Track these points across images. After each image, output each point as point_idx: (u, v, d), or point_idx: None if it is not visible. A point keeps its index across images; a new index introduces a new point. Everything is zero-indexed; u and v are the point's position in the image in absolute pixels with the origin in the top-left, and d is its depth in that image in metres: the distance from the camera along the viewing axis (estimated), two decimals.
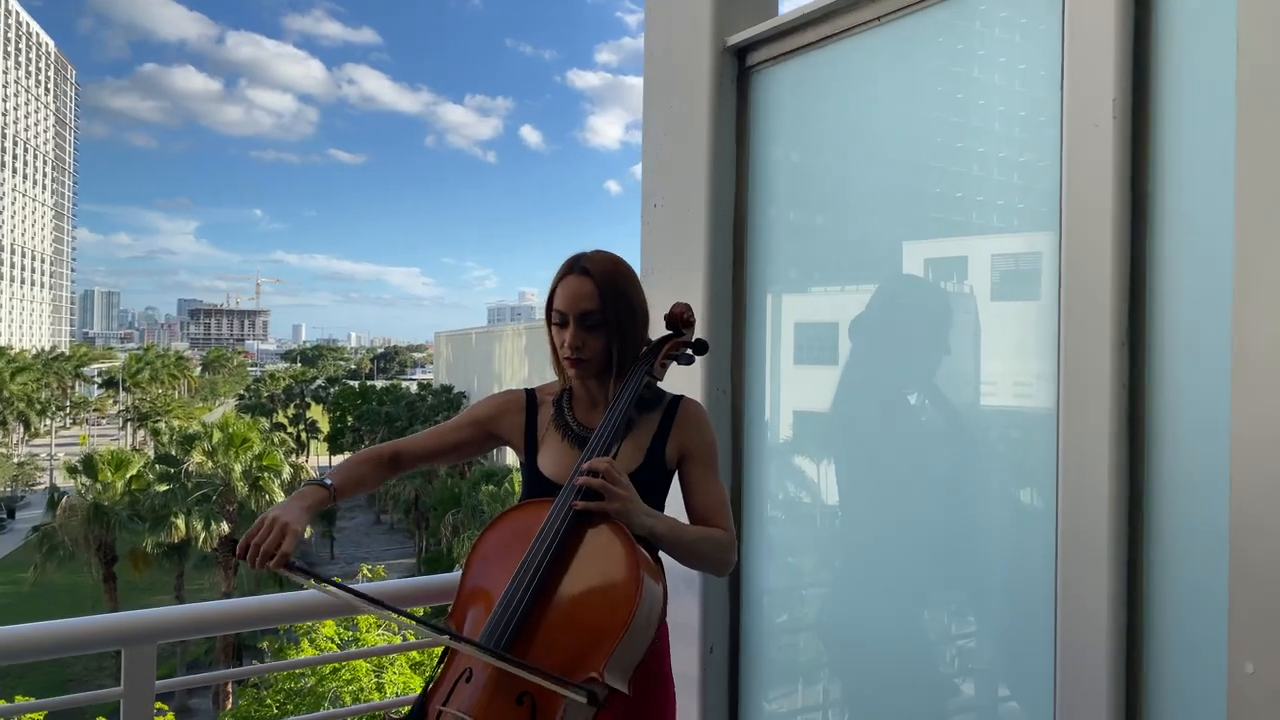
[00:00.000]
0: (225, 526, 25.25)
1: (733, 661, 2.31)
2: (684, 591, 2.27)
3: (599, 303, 1.76)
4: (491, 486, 26.54)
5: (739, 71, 2.35)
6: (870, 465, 2.11)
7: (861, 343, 2.12)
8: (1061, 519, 1.57)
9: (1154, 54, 1.50)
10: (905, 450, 2.01)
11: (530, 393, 1.92)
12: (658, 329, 1.90)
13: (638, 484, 1.68)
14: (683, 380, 2.31)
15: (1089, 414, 1.51)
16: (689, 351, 1.93)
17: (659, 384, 1.88)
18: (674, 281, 2.40)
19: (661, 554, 1.71)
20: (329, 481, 1.72)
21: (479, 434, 1.90)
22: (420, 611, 2.14)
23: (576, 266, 1.80)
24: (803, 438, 2.29)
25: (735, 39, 2.30)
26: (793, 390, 2.29)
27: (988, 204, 1.89)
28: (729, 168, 2.34)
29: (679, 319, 1.93)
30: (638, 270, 2.52)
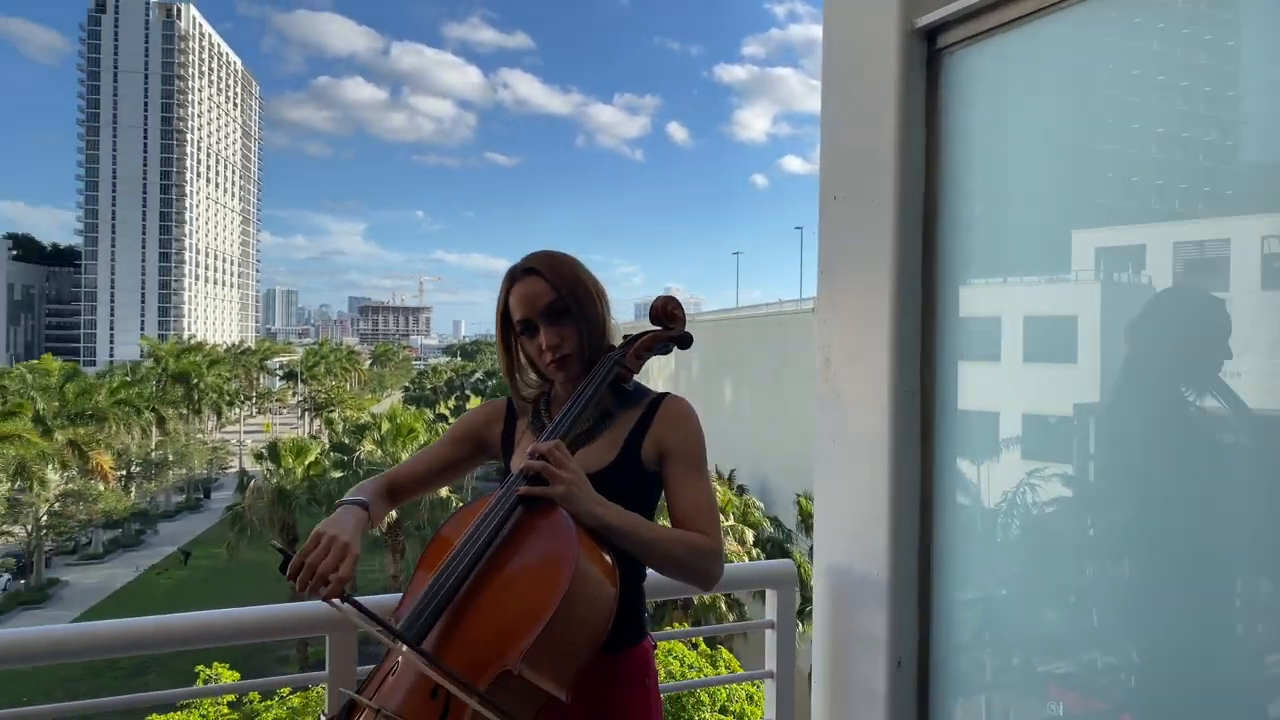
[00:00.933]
0: (393, 512, 26.65)
1: (922, 677, 2.19)
2: (869, 602, 2.18)
3: (555, 292, 1.70)
4: None
5: (928, 54, 2.22)
6: (1086, 470, 1.95)
7: (1078, 339, 1.95)
8: None
9: None
10: (1130, 454, 1.83)
11: (510, 401, 1.87)
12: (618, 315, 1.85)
13: (608, 482, 1.58)
14: (867, 384, 2.21)
15: None
16: (669, 344, 1.85)
17: (636, 380, 1.80)
18: (856, 277, 2.30)
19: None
20: (367, 501, 1.62)
21: (469, 449, 1.83)
22: None
23: (517, 272, 1.74)
24: (1001, 441, 2.14)
25: (924, 20, 2.17)
26: (990, 390, 2.15)
27: (1229, 185, 1.69)
28: (917, 156, 2.22)
29: (662, 312, 1.86)
30: (814, 265, 2.43)
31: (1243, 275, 1.65)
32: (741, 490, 29.66)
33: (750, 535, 25.45)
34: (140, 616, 1.85)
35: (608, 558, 1.47)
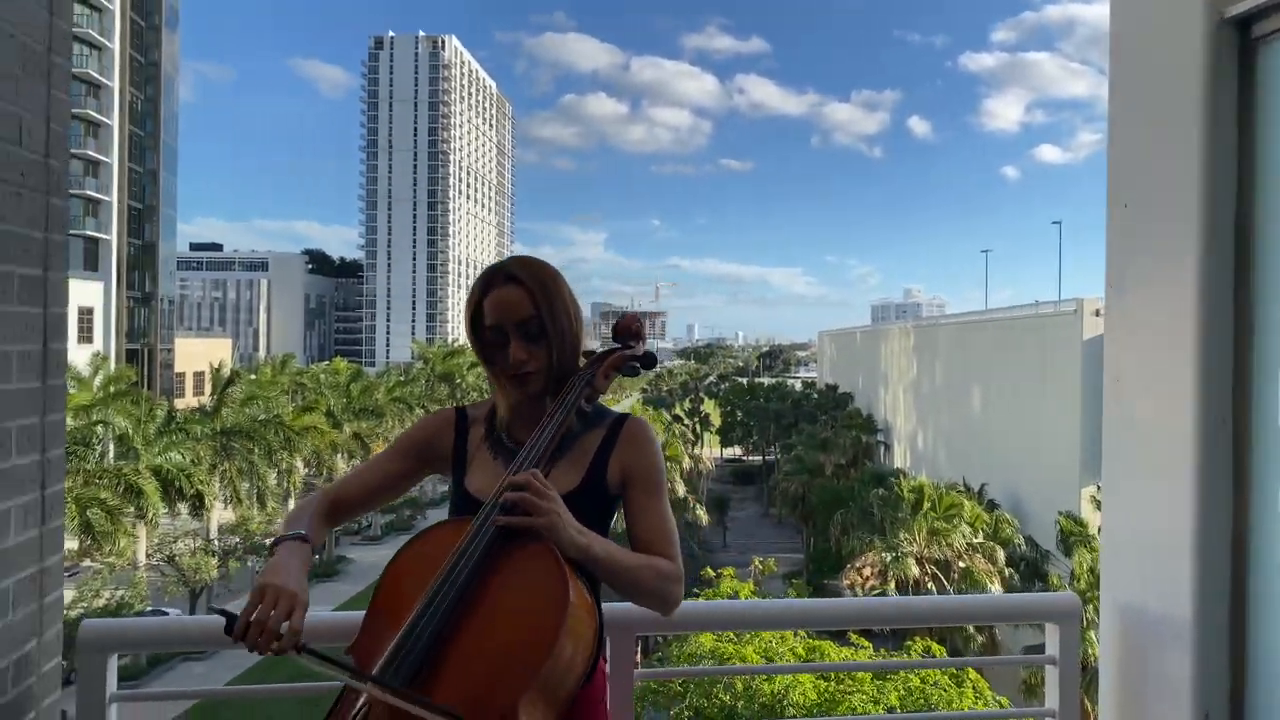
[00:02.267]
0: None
1: None
2: (1169, 645, 2.00)
3: (535, 308, 1.62)
4: (882, 490, 26.00)
5: (1241, 46, 2.01)
6: None
7: None
8: None
9: None
10: None
11: (461, 411, 1.77)
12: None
13: (575, 504, 1.51)
14: (1167, 409, 2.03)
15: None
16: (636, 364, 1.78)
17: (599, 401, 1.71)
18: (1153, 292, 2.12)
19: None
20: (303, 533, 1.53)
21: (414, 463, 1.73)
22: None
23: (500, 275, 1.64)
24: None
25: (1237, 8, 1.97)
26: None
27: None
28: (1227, 159, 2.01)
29: (628, 331, 1.79)
30: (1101, 278, 2.28)
31: None
32: (992, 505, 27.92)
33: (1001, 554, 23.91)
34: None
35: (586, 592, 1.45)
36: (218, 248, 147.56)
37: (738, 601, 1.93)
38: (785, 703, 13.23)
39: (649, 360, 1.83)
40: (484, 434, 1.71)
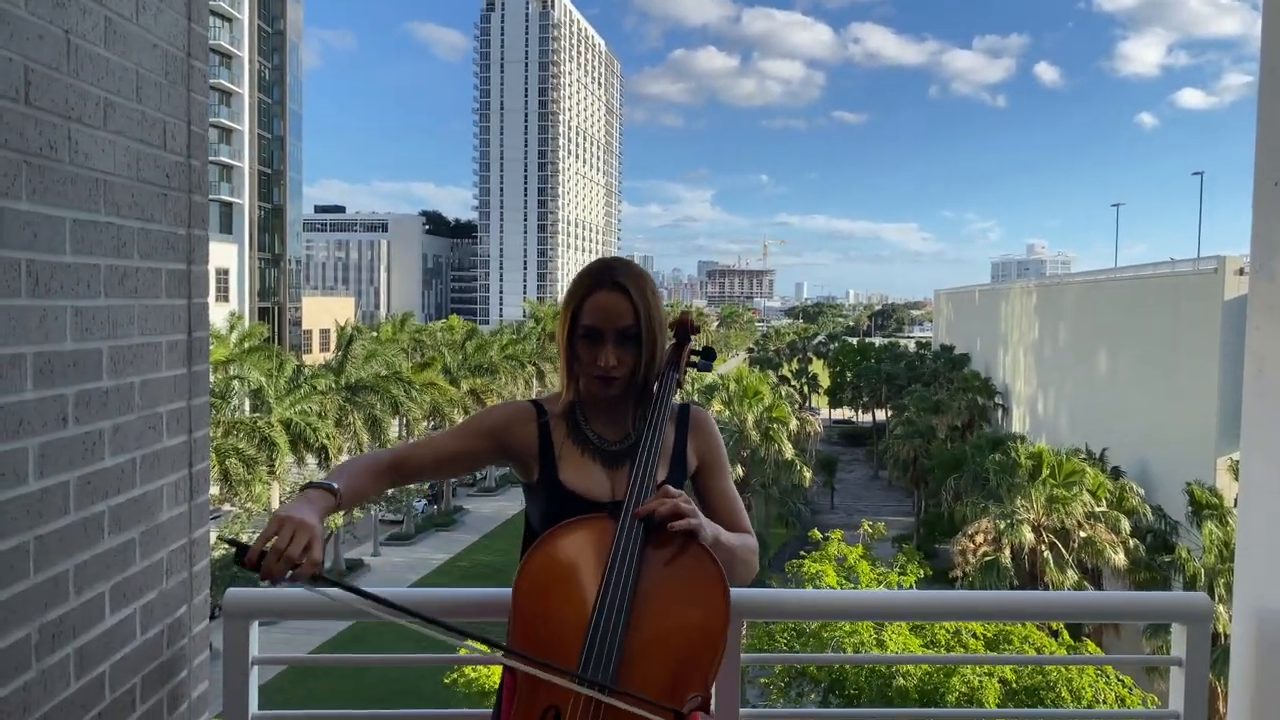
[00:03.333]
0: (740, 470, 27.68)
1: None
2: None
3: (635, 319, 1.67)
4: (1000, 456, 25.14)
5: None
6: None
7: None
8: None
9: None
10: None
11: (538, 404, 1.79)
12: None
13: None
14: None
15: None
16: (701, 360, 1.92)
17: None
18: None
19: None
20: (335, 485, 1.55)
21: (488, 446, 1.75)
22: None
23: (608, 280, 1.69)
24: None
25: None
26: None
27: None
28: None
29: (689, 326, 1.90)
30: (1244, 265, 2.12)
31: None
32: (1117, 473, 26.65)
33: (1126, 524, 22.84)
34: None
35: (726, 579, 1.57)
36: (340, 210, 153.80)
37: (842, 592, 2.00)
38: (895, 669, 13.10)
39: (710, 354, 1.97)
40: (567, 430, 1.76)
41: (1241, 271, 23.32)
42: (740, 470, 27.80)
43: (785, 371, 63.94)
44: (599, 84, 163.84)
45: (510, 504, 44.14)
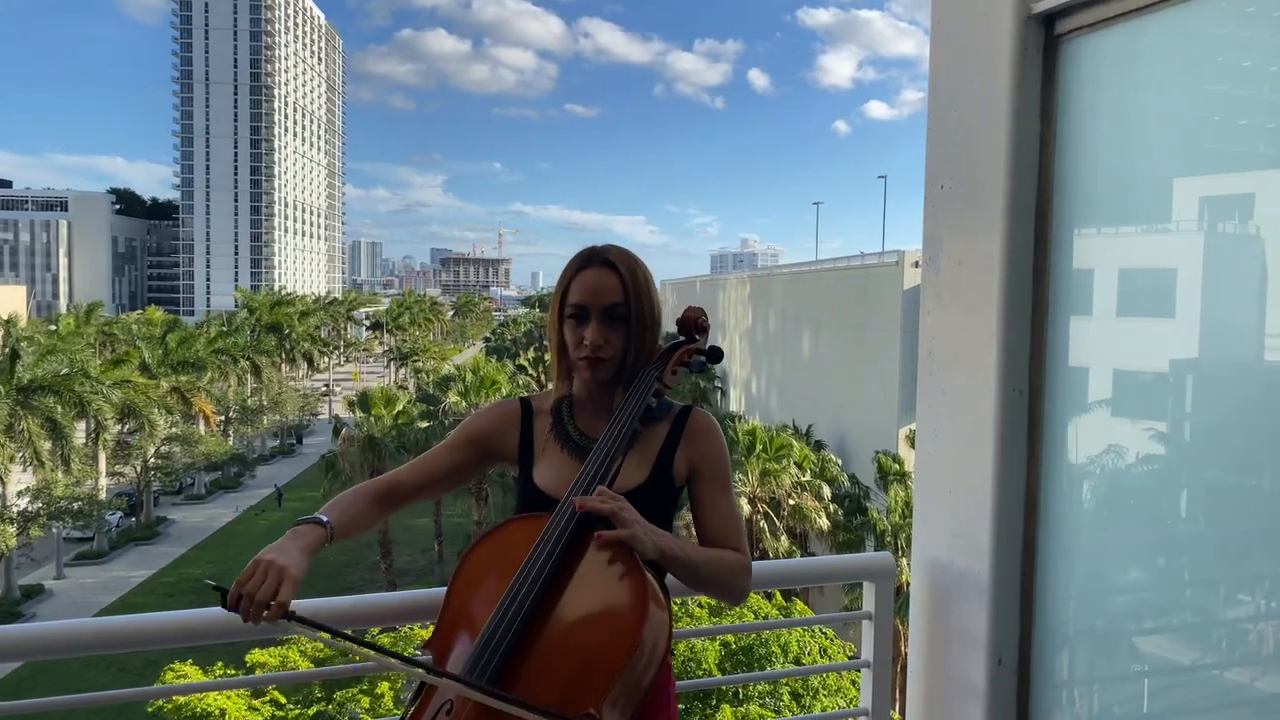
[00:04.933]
0: (206, 581, 27.15)
1: (1023, 675, 2.20)
2: (970, 598, 2.18)
3: (623, 296, 1.64)
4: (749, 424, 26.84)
5: (1046, 41, 2.14)
6: (1201, 468, 1.91)
7: (1196, 338, 1.90)
8: None
9: None
10: (1251, 448, 1.78)
11: (525, 402, 1.78)
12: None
13: (643, 499, 1.56)
14: (973, 380, 2.19)
15: None
16: (702, 358, 1.80)
17: (667, 394, 1.73)
18: (964, 270, 2.26)
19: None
20: (326, 520, 1.53)
21: (476, 453, 1.74)
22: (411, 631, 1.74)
23: (596, 258, 1.68)
24: (1112, 440, 2.10)
25: (1042, 6, 2.09)
26: (1104, 394, 2.10)
27: None
28: (1031, 147, 2.15)
29: (693, 324, 1.82)
30: (919, 258, 2.39)
31: None
32: (819, 445, 29.51)
33: (827, 491, 25.36)
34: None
35: (662, 589, 1.49)
36: (6, 184, 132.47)
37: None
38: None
39: (715, 355, 1.83)
40: (550, 425, 1.71)
41: (917, 264, 26.70)
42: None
43: (522, 361, 64.10)
44: (319, 59, 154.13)
45: (223, 511, 40.61)
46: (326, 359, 71.52)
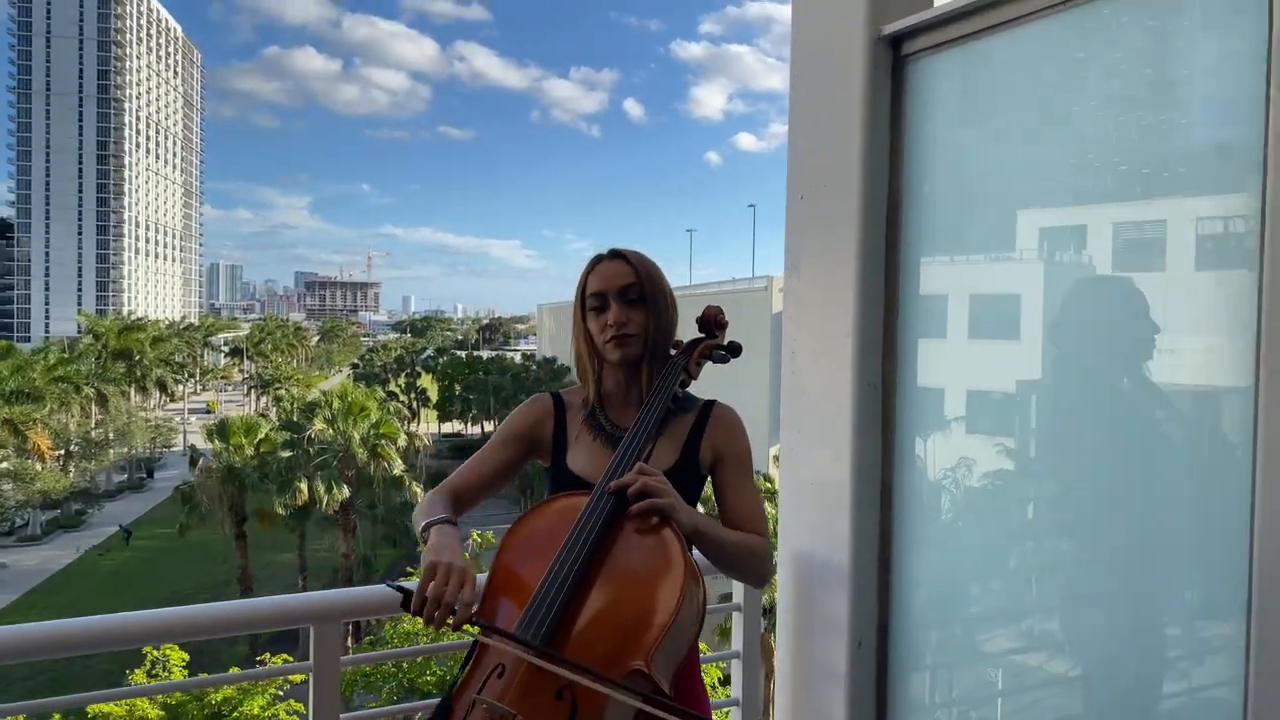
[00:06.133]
0: (346, 490, 26.45)
1: (881, 657, 2.31)
2: (832, 586, 2.28)
3: (637, 277, 1.79)
4: None
5: (893, 61, 2.30)
6: (1035, 456, 2.07)
7: (1040, 326, 2.07)
8: (1259, 522, 1.51)
9: None
10: (1079, 440, 1.95)
11: (557, 396, 1.89)
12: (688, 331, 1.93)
13: (672, 481, 1.63)
14: (831, 377, 2.30)
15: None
16: (723, 351, 1.95)
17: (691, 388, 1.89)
18: (822, 274, 2.39)
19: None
20: (455, 520, 1.64)
21: (521, 449, 1.84)
22: None
23: (604, 254, 1.85)
24: (955, 431, 2.26)
25: (890, 28, 2.25)
26: (945, 379, 2.26)
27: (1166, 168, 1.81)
28: (882, 158, 2.30)
29: (712, 321, 1.96)
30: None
31: (1178, 256, 1.77)
32: None
33: (702, 508, 25.72)
34: (114, 614, 1.86)
35: (694, 565, 1.55)
36: None
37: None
38: None
39: (735, 349, 1.97)
40: (584, 417, 1.81)
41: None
42: (346, 491, 26.54)
43: (393, 386, 62.36)
44: (175, 73, 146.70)
45: (62, 552, 37.54)
46: (182, 387, 67.56)
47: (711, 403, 1.87)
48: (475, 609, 1.43)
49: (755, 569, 1.74)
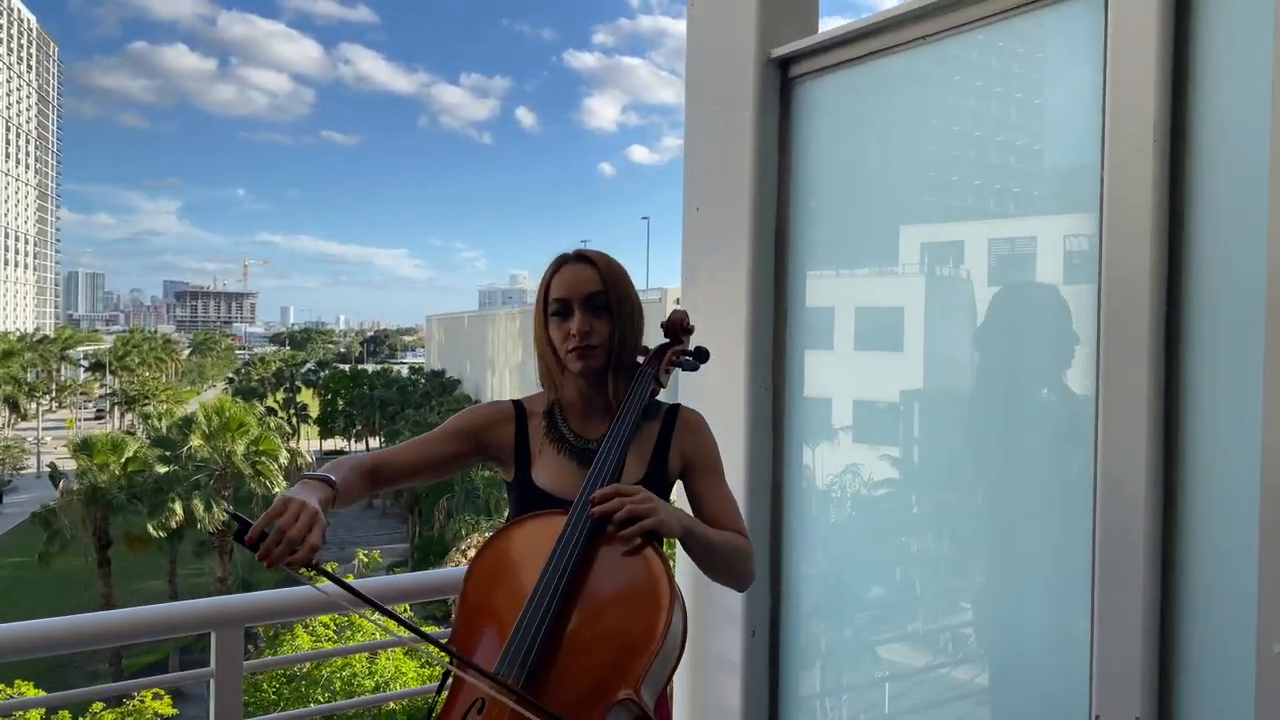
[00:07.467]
0: (225, 510, 25.27)
1: (773, 645, 2.44)
2: None
3: (603, 284, 1.69)
4: (488, 471, 26.60)
5: (782, 82, 2.45)
6: (911, 454, 2.24)
7: (913, 336, 2.24)
8: (1099, 518, 1.69)
9: (1193, 75, 1.61)
10: (950, 441, 2.13)
11: (518, 404, 1.80)
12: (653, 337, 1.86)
13: None
14: (727, 380, 2.42)
15: (1126, 412, 1.63)
16: (690, 358, 1.88)
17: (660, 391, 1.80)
18: (717, 283, 2.51)
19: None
20: (333, 478, 1.51)
21: (468, 446, 1.74)
22: (404, 609, 1.85)
23: (569, 256, 1.75)
24: (839, 430, 2.41)
25: (779, 51, 2.40)
26: (831, 385, 2.41)
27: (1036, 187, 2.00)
28: (771, 173, 2.44)
29: (678, 326, 1.90)
30: (678, 272, 2.63)
31: (1047, 269, 1.96)
32: None
33: None
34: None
35: (677, 585, 1.50)
36: None
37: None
38: (396, 686, 13.13)
39: (703, 355, 1.89)
40: (545, 427, 1.74)
41: (678, 301, 28.10)
42: (226, 510, 25.34)
43: (271, 402, 59.97)
44: (28, 66, 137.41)
45: None
46: (36, 405, 63.01)
47: (677, 407, 1.81)
48: (315, 552, 1.31)
49: (741, 569, 1.68)
